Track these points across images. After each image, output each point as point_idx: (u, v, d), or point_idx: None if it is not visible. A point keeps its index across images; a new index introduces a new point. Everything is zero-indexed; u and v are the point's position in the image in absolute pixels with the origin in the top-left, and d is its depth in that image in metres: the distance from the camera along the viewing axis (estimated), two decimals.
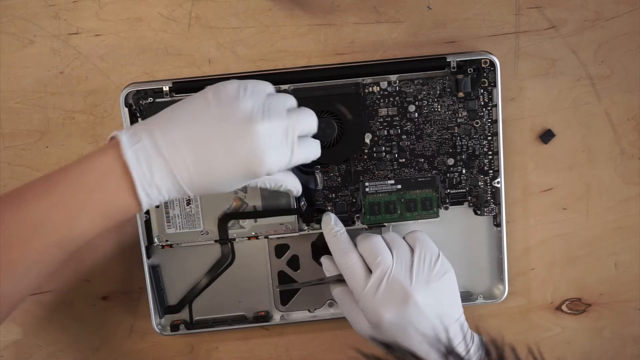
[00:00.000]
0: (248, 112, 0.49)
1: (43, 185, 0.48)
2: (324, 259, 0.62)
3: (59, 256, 0.48)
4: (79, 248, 0.49)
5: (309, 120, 0.54)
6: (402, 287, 0.56)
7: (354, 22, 0.62)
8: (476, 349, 0.58)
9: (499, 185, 0.63)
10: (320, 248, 0.64)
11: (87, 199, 0.47)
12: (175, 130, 0.48)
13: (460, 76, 0.61)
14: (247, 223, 0.63)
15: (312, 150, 0.55)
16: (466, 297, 0.65)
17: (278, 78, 0.61)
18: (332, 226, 0.60)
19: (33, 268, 0.47)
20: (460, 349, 0.57)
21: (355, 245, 0.59)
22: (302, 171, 0.62)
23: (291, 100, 0.54)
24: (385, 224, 0.63)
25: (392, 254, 0.57)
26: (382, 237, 0.59)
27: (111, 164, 0.47)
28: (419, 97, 0.61)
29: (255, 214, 0.62)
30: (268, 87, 0.53)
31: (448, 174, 0.63)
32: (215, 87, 0.51)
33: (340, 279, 0.60)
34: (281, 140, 0.50)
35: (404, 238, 0.60)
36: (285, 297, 0.65)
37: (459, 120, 0.62)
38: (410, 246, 0.59)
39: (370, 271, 0.58)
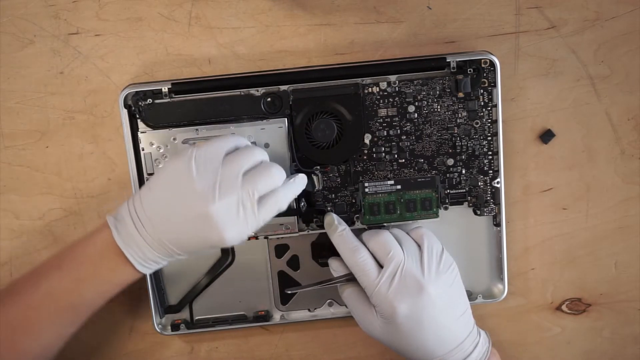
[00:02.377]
0: (201, 194, 0.52)
1: (55, 260, 0.56)
2: (331, 261, 0.61)
3: (73, 318, 0.56)
4: (91, 311, 0.57)
5: (270, 178, 0.55)
6: (415, 279, 0.57)
7: (354, 22, 0.62)
8: (483, 342, 0.59)
9: (498, 185, 0.63)
10: (320, 248, 0.64)
11: (93, 272, 0.54)
12: (149, 208, 0.53)
13: (460, 76, 0.61)
14: None
15: (277, 204, 0.55)
16: None
17: (278, 78, 0.61)
18: (336, 225, 0.60)
19: (50, 328, 0.55)
20: (469, 342, 0.58)
21: (361, 242, 0.60)
22: (300, 172, 0.62)
23: (250, 158, 0.55)
24: (385, 224, 0.63)
25: (401, 248, 0.58)
26: (396, 231, 0.60)
27: (108, 244, 0.54)
28: (419, 97, 0.61)
29: None
30: (226, 144, 0.55)
31: (448, 174, 0.63)
32: (173, 162, 0.54)
33: (349, 279, 0.60)
34: (238, 214, 0.53)
35: (408, 234, 0.61)
36: (285, 297, 0.65)
37: (458, 120, 0.62)
38: (415, 241, 0.60)
39: (380, 267, 0.58)
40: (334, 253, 0.64)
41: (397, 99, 0.61)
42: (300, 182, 0.58)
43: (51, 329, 0.55)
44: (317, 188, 0.62)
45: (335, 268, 0.61)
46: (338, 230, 0.60)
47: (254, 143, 0.60)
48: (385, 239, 0.58)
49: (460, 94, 0.61)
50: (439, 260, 0.59)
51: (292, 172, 0.61)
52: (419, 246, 0.59)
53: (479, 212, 0.64)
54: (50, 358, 0.57)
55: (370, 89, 0.61)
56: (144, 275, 0.56)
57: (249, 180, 0.53)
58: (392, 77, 0.61)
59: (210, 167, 0.53)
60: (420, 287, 0.57)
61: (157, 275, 0.64)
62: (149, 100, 0.60)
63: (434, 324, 0.57)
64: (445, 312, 0.57)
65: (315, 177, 0.62)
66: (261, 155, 0.56)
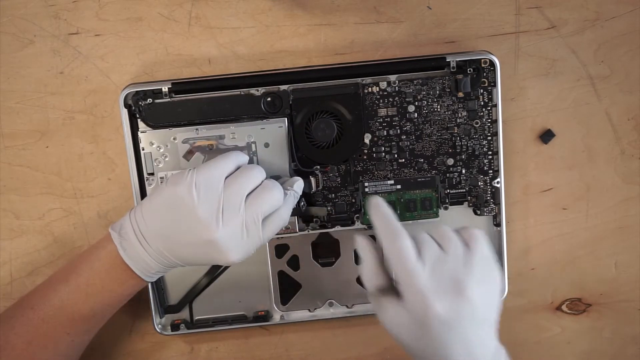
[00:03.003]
0: (204, 222, 0.52)
1: (62, 275, 0.56)
2: (360, 238, 0.54)
3: (87, 327, 0.57)
4: (105, 320, 0.59)
5: (272, 200, 0.54)
6: (458, 279, 0.50)
7: (354, 22, 0.62)
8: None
9: (498, 185, 0.63)
10: (320, 248, 0.64)
11: (101, 285, 0.55)
12: (152, 226, 0.54)
13: (460, 76, 0.61)
14: None
15: (281, 222, 0.56)
16: None
17: (278, 78, 0.61)
18: (380, 205, 0.53)
19: (65, 338, 0.56)
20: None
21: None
22: (300, 172, 0.62)
23: (251, 180, 0.54)
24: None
25: (448, 245, 0.52)
26: (442, 229, 0.54)
27: (114, 259, 0.55)
28: (419, 97, 0.61)
29: None
30: (226, 166, 0.54)
31: (448, 174, 0.63)
32: (173, 186, 0.53)
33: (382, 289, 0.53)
34: (242, 236, 0.53)
35: (458, 232, 0.54)
36: (285, 297, 0.65)
37: (458, 120, 0.62)
38: (466, 241, 0.53)
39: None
40: (335, 253, 0.64)
41: (397, 98, 0.61)
42: (298, 189, 0.58)
43: (67, 339, 0.56)
44: (313, 190, 0.62)
45: (363, 247, 0.53)
46: (382, 209, 0.53)
47: (254, 143, 0.60)
48: (442, 230, 0.53)
49: (460, 94, 0.61)
50: (486, 265, 0.52)
51: (291, 172, 0.61)
52: (468, 247, 0.52)
53: (479, 212, 0.64)
54: None
55: (370, 89, 0.61)
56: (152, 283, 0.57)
57: (252, 203, 0.53)
58: (392, 77, 0.61)
59: (212, 193, 0.52)
60: (461, 290, 0.49)
61: None
62: (149, 100, 0.60)
63: (466, 335, 0.49)
64: (481, 324, 0.50)
65: (313, 179, 0.62)
66: (261, 174, 0.55)
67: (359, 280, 0.65)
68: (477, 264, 0.51)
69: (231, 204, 0.53)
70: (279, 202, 0.55)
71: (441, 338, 0.49)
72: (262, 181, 0.55)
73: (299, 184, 0.59)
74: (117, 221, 0.56)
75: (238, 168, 0.56)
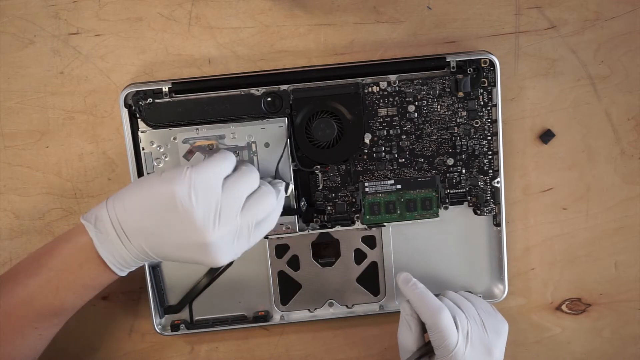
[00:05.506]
0: (200, 224, 0.51)
1: (32, 266, 0.54)
2: (404, 305, 0.59)
3: (57, 321, 0.55)
4: (73, 313, 0.56)
5: (268, 206, 0.55)
6: (486, 344, 0.57)
7: (354, 22, 0.62)
8: None
9: (498, 185, 0.63)
10: (320, 248, 0.64)
11: (73, 279, 0.53)
12: (136, 222, 0.52)
13: (460, 76, 0.61)
14: None
15: (271, 226, 0.56)
16: None
17: (278, 78, 0.61)
18: (414, 282, 0.59)
19: (32, 332, 0.54)
20: None
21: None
22: (300, 171, 0.62)
23: (250, 185, 0.54)
24: (385, 224, 0.63)
25: (468, 312, 0.58)
26: (447, 297, 0.60)
27: (87, 252, 0.52)
28: (419, 97, 0.61)
29: None
30: (223, 169, 0.54)
31: (448, 174, 0.63)
32: (169, 184, 0.51)
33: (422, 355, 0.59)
34: (235, 240, 0.53)
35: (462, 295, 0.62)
36: (285, 297, 0.65)
37: (458, 120, 0.62)
38: (470, 301, 0.60)
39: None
40: (335, 253, 0.64)
41: (397, 98, 0.61)
42: (283, 193, 0.58)
43: (34, 333, 0.54)
44: (287, 194, 0.60)
45: (406, 313, 0.59)
46: (418, 288, 0.59)
47: (254, 143, 0.60)
48: (449, 304, 0.58)
49: (460, 94, 0.61)
50: (497, 321, 0.59)
51: (291, 172, 0.60)
52: (474, 306, 0.60)
53: (479, 212, 0.64)
54: (35, 357, 0.56)
55: (370, 89, 0.61)
56: (136, 278, 0.56)
57: (250, 208, 0.53)
58: (392, 77, 0.61)
59: (211, 195, 0.51)
60: (491, 353, 0.57)
61: (157, 276, 0.64)
62: (150, 100, 0.60)
63: None
64: None
65: (290, 185, 0.60)
66: (257, 178, 0.55)
67: (359, 280, 0.65)
68: (491, 323, 0.59)
69: (229, 207, 0.52)
70: (272, 206, 0.55)
71: None
72: (259, 185, 0.55)
73: (286, 188, 0.58)
74: (90, 211, 0.53)
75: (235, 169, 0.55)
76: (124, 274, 0.55)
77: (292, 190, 0.60)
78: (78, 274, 0.53)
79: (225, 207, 0.52)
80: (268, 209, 0.55)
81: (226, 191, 0.52)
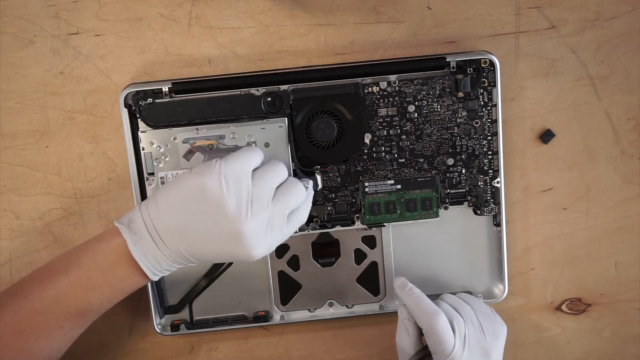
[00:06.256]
0: (232, 213, 0.51)
1: (62, 264, 0.54)
2: (401, 309, 0.59)
3: (81, 322, 0.55)
4: (99, 315, 0.56)
5: (299, 196, 0.55)
6: (483, 347, 0.57)
7: (354, 22, 0.62)
8: None
9: (498, 185, 0.63)
10: (320, 248, 0.64)
11: (103, 280, 0.53)
12: (170, 221, 0.52)
13: (459, 76, 0.61)
14: None
15: (303, 218, 0.56)
16: None
17: (278, 78, 0.61)
18: (410, 287, 0.59)
19: (58, 332, 0.54)
20: None
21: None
22: (303, 172, 0.62)
23: (279, 174, 0.55)
24: (385, 224, 0.63)
25: (465, 315, 0.58)
26: (445, 300, 0.60)
27: (120, 254, 0.53)
28: (419, 97, 0.61)
29: None
30: (252, 161, 0.54)
31: (448, 174, 0.63)
32: (200, 177, 0.52)
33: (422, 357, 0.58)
34: (268, 231, 0.53)
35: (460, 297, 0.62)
36: (285, 297, 0.65)
37: (458, 120, 0.62)
38: (469, 305, 0.60)
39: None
40: (335, 253, 0.64)
41: (397, 98, 0.61)
42: (313, 188, 0.59)
43: (59, 333, 0.54)
44: (319, 187, 0.62)
45: (405, 316, 0.59)
46: (414, 292, 0.59)
47: (254, 143, 0.60)
48: (447, 308, 0.58)
49: (460, 94, 0.61)
50: (495, 324, 0.59)
51: (291, 172, 0.61)
52: (472, 309, 0.59)
53: (479, 212, 0.64)
54: (57, 357, 0.57)
55: (370, 89, 0.61)
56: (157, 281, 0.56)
57: (280, 198, 0.54)
58: (392, 77, 0.61)
59: (241, 184, 0.52)
60: (488, 355, 0.57)
61: None
62: (150, 100, 0.60)
63: None
64: None
65: (319, 177, 0.62)
66: (285, 171, 0.56)
67: (359, 280, 0.65)
68: (489, 326, 0.58)
69: (260, 197, 0.52)
70: (302, 198, 0.55)
71: None
72: (288, 178, 0.56)
73: (312, 183, 0.59)
74: (124, 215, 0.54)
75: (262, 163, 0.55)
76: (155, 278, 0.55)
77: (320, 185, 0.62)
78: (108, 274, 0.53)
79: (256, 196, 0.52)
80: (298, 199, 0.55)
81: (256, 181, 0.53)
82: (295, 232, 0.62)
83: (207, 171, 0.52)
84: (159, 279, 0.63)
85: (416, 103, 0.61)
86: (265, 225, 0.53)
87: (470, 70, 0.61)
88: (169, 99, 0.60)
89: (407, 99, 0.61)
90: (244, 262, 0.54)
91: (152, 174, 0.61)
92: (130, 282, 0.54)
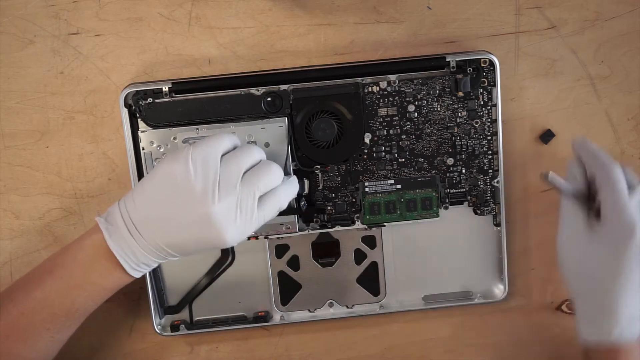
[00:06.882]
0: (199, 195, 0.51)
1: (48, 266, 0.54)
2: (552, 173, 0.57)
3: (68, 323, 0.55)
4: (86, 316, 0.56)
5: (270, 177, 0.54)
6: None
7: (354, 22, 0.62)
8: None
9: (498, 185, 0.63)
10: (320, 248, 0.64)
11: (83, 277, 0.53)
12: (145, 210, 0.52)
13: (459, 76, 0.61)
14: None
15: (278, 203, 0.55)
16: (466, 296, 0.65)
17: (278, 78, 0.61)
18: (583, 139, 0.57)
19: (45, 334, 0.54)
20: None
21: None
22: (300, 171, 0.62)
23: (249, 156, 0.54)
24: (385, 224, 0.63)
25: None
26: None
27: (98, 248, 0.53)
28: (419, 96, 0.61)
29: None
30: (222, 143, 0.53)
31: (448, 174, 0.63)
32: (169, 163, 0.52)
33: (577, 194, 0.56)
34: (237, 214, 0.52)
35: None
36: (285, 297, 0.65)
37: (458, 120, 0.62)
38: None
39: None
40: (335, 253, 0.64)
41: (397, 98, 0.61)
42: (295, 181, 0.58)
43: (46, 334, 0.54)
44: (306, 192, 0.62)
45: (575, 165, 0.57)
46: (590, 144, 0.56)
47: (253, 142, 0.60)
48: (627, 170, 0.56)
49: (460, 94, 0.61)
50: None
51: (291, 171, 0.61)
52: None
53: (479, 212, 0.64)
54: None
55: (370, 89, 0.61)
56: (136, 278, 0.55)
57: (250, 179, 0.53)
58: (392, 77, 0.61)
59: (209, 167, 0.52)
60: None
61: (156, 276, 0.64)
62: (150, 100, 0.60)
63: None
64: None
65: (306, 181, 0.62)
66: (259, 154, 0.55)
67: (359, 281, 0.65)
68: None
69: (227, 179, 0.52)
70: (277, 181, 0.55)
71: (635, 259, 0.52)
72: (261, 160, 0.55)
73: (294, 178, 0.58)
74: (107, 210, 0.54)
75: (235, 148, 0.55)
76: (135, 273, 0.54)
77: (306, 190, 0.62)
78: (88, 270, 0.53)
79: (223, 178, 0.52)
80: (270, 181, 0.54)
81: (224, 163, 0.52)
82: (295, 232, 0.62)
83: (176, 156, 0.52)
84: (159, 279, 0.64)
85: (416, 103, 0.61)
86: (234, 208, 0.52)
87: (470, 70, 0.61)
88: (169, 99, 0.60)
89: (407, 99, 0.61)
90: (218, 247, 0.53)
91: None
92: (110, 278, 0.54)
